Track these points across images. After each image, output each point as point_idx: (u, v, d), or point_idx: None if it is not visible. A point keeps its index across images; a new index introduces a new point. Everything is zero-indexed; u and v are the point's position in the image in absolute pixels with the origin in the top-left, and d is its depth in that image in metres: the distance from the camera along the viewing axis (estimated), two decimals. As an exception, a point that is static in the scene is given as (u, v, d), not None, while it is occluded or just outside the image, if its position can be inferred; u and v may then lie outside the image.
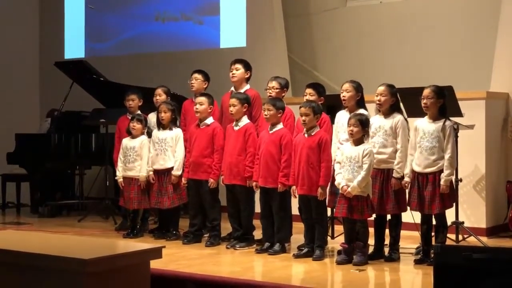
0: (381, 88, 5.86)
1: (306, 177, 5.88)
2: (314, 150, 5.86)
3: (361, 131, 5.68)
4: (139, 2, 10.29)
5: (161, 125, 6.93)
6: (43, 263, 3.79)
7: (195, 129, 6.71)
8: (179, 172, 6.80)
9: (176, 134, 6.87)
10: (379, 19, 8.75)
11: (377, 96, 5.86)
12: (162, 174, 6.88)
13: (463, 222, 6.57)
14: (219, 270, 5.64)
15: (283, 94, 6.56)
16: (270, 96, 6.45)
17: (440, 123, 5.65)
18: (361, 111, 5.90)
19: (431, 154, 5.65)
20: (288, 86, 6.77)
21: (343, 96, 6.01)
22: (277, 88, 6.51)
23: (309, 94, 6.24)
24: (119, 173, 7.12)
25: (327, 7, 9.15)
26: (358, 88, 6.01)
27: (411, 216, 5.99)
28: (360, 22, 8.88)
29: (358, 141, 5.70)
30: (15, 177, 9.47)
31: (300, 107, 5.93)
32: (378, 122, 5.88)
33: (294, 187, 5.99)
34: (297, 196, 6.02)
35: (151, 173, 6.91)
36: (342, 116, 6.05)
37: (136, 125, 7.05)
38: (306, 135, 5.93)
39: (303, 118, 5.88)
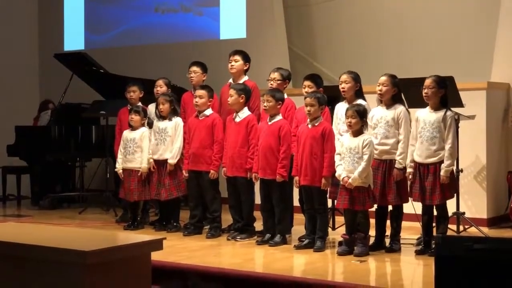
0: (383, 78, 5.84)
1: (309, 167, 5.87)
2: (318, 141, 5.86)
3: (359, 121, 5.66)
4: (139, -7, 10.27)
5: (161, 116, 6.91)
6: (44, 255, 3.78)
7: (194, 120, 6.70)
8: (175, 160, 6.78)
9: (176, 123, 6.85)
10: (379, 9, 8.72)
11: (378, 86, 5.84)
12: (161, 165, 6.87)
13: (464, 213, 6.57)
14: (220, 261, 5.64)
15: (285, 86, 6.54)
16: (271, 87, 6.42)
17: (441, 113, 5.64)
18: (360, 101, 5.89)
19: (432, 144, 5.63)
20: (290, 78, 6.72)
21: (342, 88, 5.99)
22: (278, 80, 6.49)
23: (308, 87, 6.22)
24: (119, 165, 7.11)
25: (327, -3, 9.13)
26: (356, 78, 6.00)
27: (412, 207, 5.98)
28: (360, 12, 8.85)
29: (357, 132, 5.69)
30: (15, 170, 9.47)
31: (305, 98, 5.92)
32: (380, 113, 5.86)
33: (296, 178, 5.98)
34: (298, 186, 6.01)
35: (152, 161, 6.90)
36: (341, 108, 6.03)
37: (134, 117, 7.04)
38: (309, 125, 5.92)
39: (308, 108, 5.87)
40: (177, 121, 6.87)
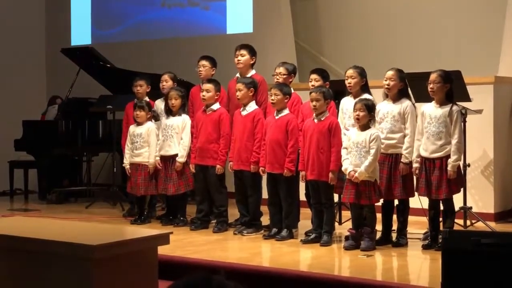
0: (390, 73, 5.83)
1: (316, 162, 5.87)
2: (325, 135, 5.85)
3: (367, 115, 5.65)
4: (145, -12, 10.26)
5: (170, 111, 6.90)
6: (51, 249, 3.79)
7: (201, 115, 6.70)
8: (184, 159, 6.78)
9: (183, 120, 6.85)
10: (386, 3, 8.70)
11: (385, 80, 5.83)
12: (168, 160, 6.87)
13: (471, 207, 6.55)
14: (227, 256, 5.65)
15: (290, 80, 6.53)
16: (277, 82, 6.42)
17: (447, 108, 5.62)
18: (366, 96, 5.89)
19: (437, 139, 5.62)
20: (295, 72, 6.73)
21: (349, 83, 5.98)
22: (284, 74, 6.48)
23: (314, 80, 6.22)
24: (126, 161, 7.12)
25: (334, -9, 9.11)
26: (362, 73, 5.99)
27: (418, 201, 5.97)
28: (367, 6, 8.83)
29: (364, 126, 5.68)
30: (22, 164, 9.48)
31: (311, 92, 5.92)
32: (386, 108, 5.86)
33: (303, 172, 5.98)
34: (305, 181, 6.01)
35: (158, 158, 6.91)
36: (347, 102, 6.03)
37: (140, 113, 7.02)
38: (316, 120, 5.91)
39: (314, 103, 5.86)
40: (185, 118, 6.85)
